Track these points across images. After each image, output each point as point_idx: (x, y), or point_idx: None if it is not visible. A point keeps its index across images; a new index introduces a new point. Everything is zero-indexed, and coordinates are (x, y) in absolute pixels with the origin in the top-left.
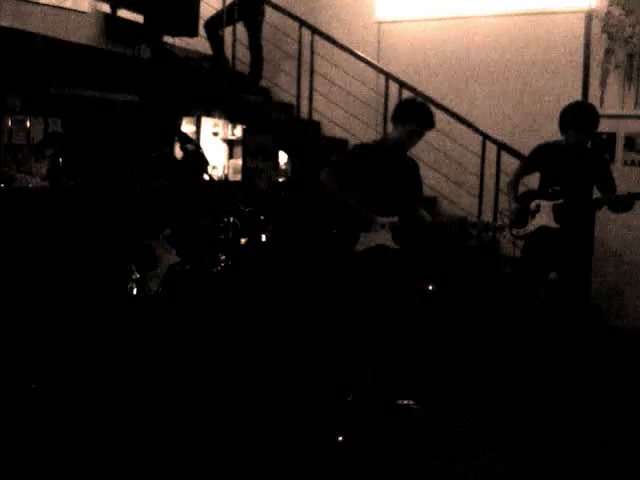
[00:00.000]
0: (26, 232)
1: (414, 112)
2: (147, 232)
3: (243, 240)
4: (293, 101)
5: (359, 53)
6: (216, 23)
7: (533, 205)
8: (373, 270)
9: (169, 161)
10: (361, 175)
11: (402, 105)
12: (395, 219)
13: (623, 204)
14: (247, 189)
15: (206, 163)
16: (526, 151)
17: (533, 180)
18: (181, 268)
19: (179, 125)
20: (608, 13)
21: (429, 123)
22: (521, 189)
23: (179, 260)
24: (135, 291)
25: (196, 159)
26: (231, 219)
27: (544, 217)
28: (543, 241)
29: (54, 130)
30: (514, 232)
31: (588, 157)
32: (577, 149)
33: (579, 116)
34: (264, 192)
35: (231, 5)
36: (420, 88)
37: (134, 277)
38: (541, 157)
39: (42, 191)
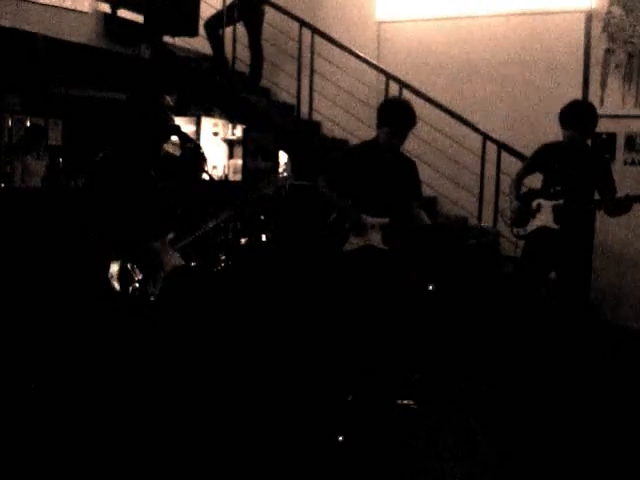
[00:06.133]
0: (25, 231)
1: (391, 114)
2: (151, 234)
3: (243, 240)
4: (293, 101)
5: (359, 53)
6: (216, 23)
7: (534, 204)
8: (360, 270)
9: (171, 161)
10: (353, 176)
11: (381, 107)
12: (385, 220)
13: (621, 206)
14: (251, 194)
15: (204, 161)
16: (526, 151)
17: (534, 180)
18: (183, 270)
19: (175, 123)
20: (608, 13)
21: (408, 124)
22: (523, 190)
23: (182, 263)
24: (136, 292)
25: (195, 158)
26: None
27: (544, 217)
28: (543, 241)
29: (34, 123)
30: (515, 231)
31: (591, 158)
32: (579, 149)
33: (577, 114)
34: (269, 196)
35: (231, 5)
36: (420, 88)
37: (136, 278)
38: (544, 156)
39: (40, 191)
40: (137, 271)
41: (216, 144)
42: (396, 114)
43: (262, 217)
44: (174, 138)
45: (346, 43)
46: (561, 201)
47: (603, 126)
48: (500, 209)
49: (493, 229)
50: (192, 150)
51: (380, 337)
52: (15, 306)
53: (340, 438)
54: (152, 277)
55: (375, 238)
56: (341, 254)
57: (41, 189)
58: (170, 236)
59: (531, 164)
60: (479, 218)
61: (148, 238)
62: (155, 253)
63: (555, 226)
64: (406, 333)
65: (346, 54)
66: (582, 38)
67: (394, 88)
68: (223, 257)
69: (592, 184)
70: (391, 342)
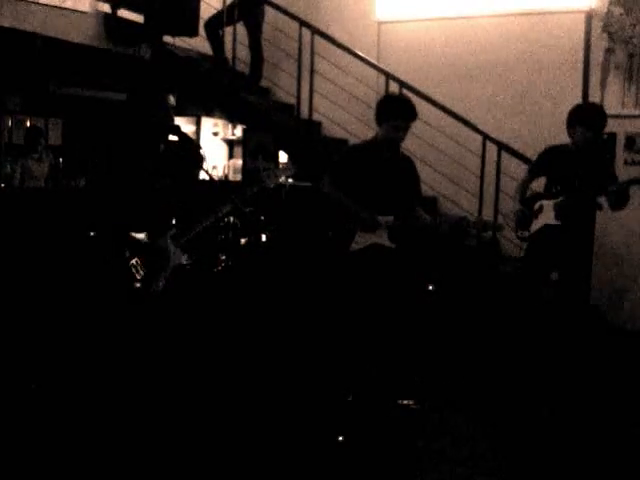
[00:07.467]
0: (28, 230)
1: (391, 108)
2: (152, 232)
3: (243, 240)
4: (293, 101)
5: (359, 53)
6: (216, 23)
7: (536, 206)
8: (369, 269)
9: (170, 159)
10: (356, 176)
11: (380, 104)
12: (391, 218)
13: (621, 195)
14: (253, 188)
15: (202, 159)
16: (526, 151)
17: (537, 185)
18: (185, 268)
19: (174, 123)
20: (608, 13)
21: (408, 115)
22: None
23: (184, 260)
24: (140, 290)
25: (193, 156)
26: (231, 219)
27: (547, 215)
28: (545, 239)
29: (32, 125)
30: (519, 234)
31: (595, 161)
32: (585, 152)
33: (587, 114)
34: (269, 191)
35: (231, 5)
36: (420, 88)
37: (139, 276)
38: (549, 159)
39: (44, 190)
40: (140, 268)
41: (216, 144)
42: (396, 108)
43: (262, 217)
44: (174, 138)
45: (346, 43)
46: (562, 198)
47: None
48: (504, 212)
49: (495, 223)
50: (191, 150)
51: (382, 337)
52: (19, 304)
53: (340, 438)
54: (156, 274)
55: (382, 236)
56: (346, 254)
57: (42, 189)
58: (172, 233)
59: (535, 168)
60: (477, 217)
61: (150, 236)
62: (158, 250)
63: (556, 222)
64: (407, 333)
65: (346, 54)
66: (582, 38)
67: (394, 88)
68: (223, 257)
69: (594, 185)
70: (392, 342)
